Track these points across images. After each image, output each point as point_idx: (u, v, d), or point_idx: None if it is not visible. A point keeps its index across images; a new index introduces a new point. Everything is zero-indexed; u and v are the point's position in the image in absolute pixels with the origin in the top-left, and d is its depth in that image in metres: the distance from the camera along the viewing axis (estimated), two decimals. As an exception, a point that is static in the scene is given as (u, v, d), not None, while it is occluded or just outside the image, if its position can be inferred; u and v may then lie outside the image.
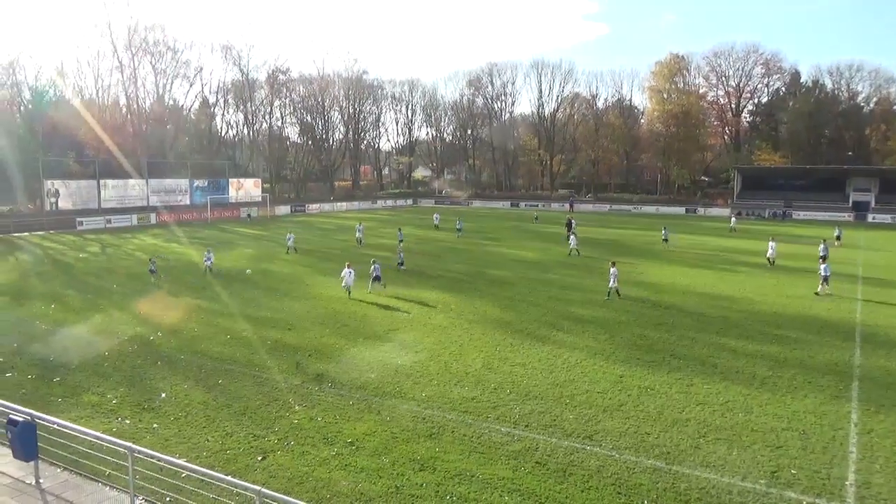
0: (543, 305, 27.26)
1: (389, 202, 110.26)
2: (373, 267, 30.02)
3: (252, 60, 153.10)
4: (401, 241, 46.51)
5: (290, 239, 44.56)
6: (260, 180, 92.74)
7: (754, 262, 39.76)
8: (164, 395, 16.45)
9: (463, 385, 17.24)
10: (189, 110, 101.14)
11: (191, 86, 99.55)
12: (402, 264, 36.54)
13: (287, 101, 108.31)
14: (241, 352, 20.22)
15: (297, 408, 15.58)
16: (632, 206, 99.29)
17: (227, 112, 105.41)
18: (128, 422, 14.78)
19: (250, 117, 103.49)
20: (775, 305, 27.53)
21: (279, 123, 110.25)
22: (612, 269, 28.76)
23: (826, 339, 22.05)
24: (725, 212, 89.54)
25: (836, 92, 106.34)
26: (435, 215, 64.05)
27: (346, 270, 28.95)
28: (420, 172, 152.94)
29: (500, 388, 17.05)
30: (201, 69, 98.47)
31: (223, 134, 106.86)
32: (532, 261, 40.14)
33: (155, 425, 14.59)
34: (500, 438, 13.98)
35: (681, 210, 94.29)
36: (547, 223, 69.17)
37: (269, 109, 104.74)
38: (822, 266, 30.57)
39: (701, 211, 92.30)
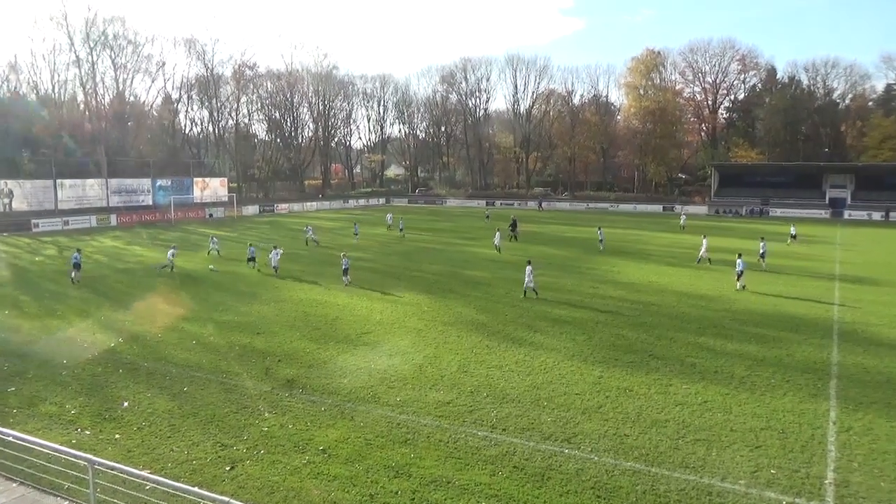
0: (520, 306, 27.39)
1: (362, 201, 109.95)
2: (343, 260, 32.37)
3: (217, 55, 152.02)
4: (356, 234, 49.15)
5: (308, 231, 48.69)
6: (226, 179, 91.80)
7: (732, 261, 40.32)
8: (126, 403, 16.18)
9: (438, 389, 17.23)
10: (151, 107, 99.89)
11: (153, 81, 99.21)
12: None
13: (254, 97, 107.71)
14: (208, 357, 19.98)
15: (266, 415, 15.44)
16: (609, 203, 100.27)
17: (192, 109, 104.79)
18: (88, 433, 14.51)
19: (216, 114, 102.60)
20: (752, 304, 28.00)
21: (246, 120, 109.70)
22: (528, 268, 29.04)
23: (804, 338, 22.47)
24: (703, 209, 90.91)
25: (812, 88, 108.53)
26: (388, 216, 64.10)
27: (274, 251, 33.48)
28: (393, 171, 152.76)
29: (476, 391, 17.08)
30: (164, 64, 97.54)
31: (187, 131, 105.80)
32: (508, 261, 40.27)
33: (117, 436, 14.34)
34: (476, 443, 14.00)
35: (658, 208, 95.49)
36: (503, 221, 69.41)
37: (235, 106, 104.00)
38: (738, 261, 31.63)
39: (678, 209, 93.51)
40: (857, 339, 22.45)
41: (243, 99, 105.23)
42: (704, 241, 39.66)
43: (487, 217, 72.02)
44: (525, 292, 28.98)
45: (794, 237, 51.73)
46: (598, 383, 17.71)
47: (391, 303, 28.06)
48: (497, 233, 46.99)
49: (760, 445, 13.84)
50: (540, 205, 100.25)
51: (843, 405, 16.13)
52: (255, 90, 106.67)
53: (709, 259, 39.24)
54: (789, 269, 37.96)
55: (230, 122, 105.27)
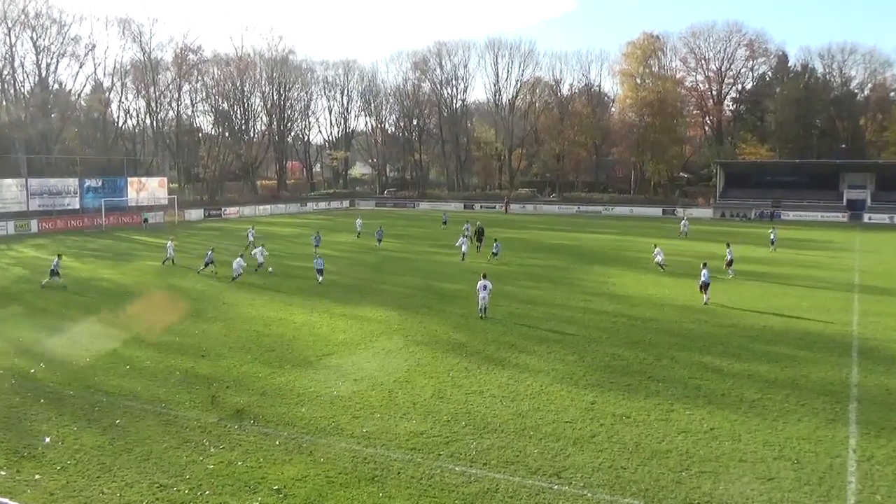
0: (503, 323, 27.45)
1: (322, 204, 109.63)
2: (316, 260, 36.36)
3: (155, 37, 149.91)
4: (316, 246, 48.16)
5: (250, 234, 51.76)
6: (166, 179, 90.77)
7: (739, 270, 40.90)
8: (48, 439, 15.90)
9: (410, 418, 17.19)
10: (79, 96, 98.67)
11: (81, 66, 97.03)
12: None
13: (198, 85, 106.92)
14: (144, 385, 19.71)
15: (212, 450, 15.27)
16: (602, 206, 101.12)
17: (126, 98, 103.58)
18: (2, 473, 14.24)
19: (154, 104, 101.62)
20: (763, 318, 28.39)
21: (189, 112, 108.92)
22: (481, 282, 28.28)
23: (820, 356, 22.82)
24: (708, 213, 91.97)
25: (827, 77, 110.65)
26: (358, 221, 63.66)
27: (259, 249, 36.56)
28: (358, 169, 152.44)
29: (453, 420, 17.06)
30: (93, 47, 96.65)
31: (121, 124, 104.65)
32: (489, 271, 40.32)
33: (37, 476, 14.08)
34: (454, 479, 13.97)
35: (657, 211, 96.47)
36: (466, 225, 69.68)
37: (176, 95, 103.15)
38: (704, 272, 31.34)
39: (680, 212, 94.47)
40: (879, 357, 22.85)
41: (186, 87, 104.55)
42: (729, 252, 39.46)
43: (444, 224, 70.13)
44: (481, 312, 28.15)
45: (773, 243, 51.35)
46: (590, 410, 17.80)
47: (356, 320, 27.94)
48: (464, 240, 47.25)
49: (773, 477, 13.99)
50: (506, 207, 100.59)
51: (864, 431, 16.38)
52: (199, 77, 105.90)
53: (661, 266, 40.02)
54: (802, 279, 38.57)
55: (171, 113, 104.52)
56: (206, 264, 38.73)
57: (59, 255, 36.72)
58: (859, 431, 16.36)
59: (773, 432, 16.28)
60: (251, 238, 50.88)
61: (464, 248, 46.11)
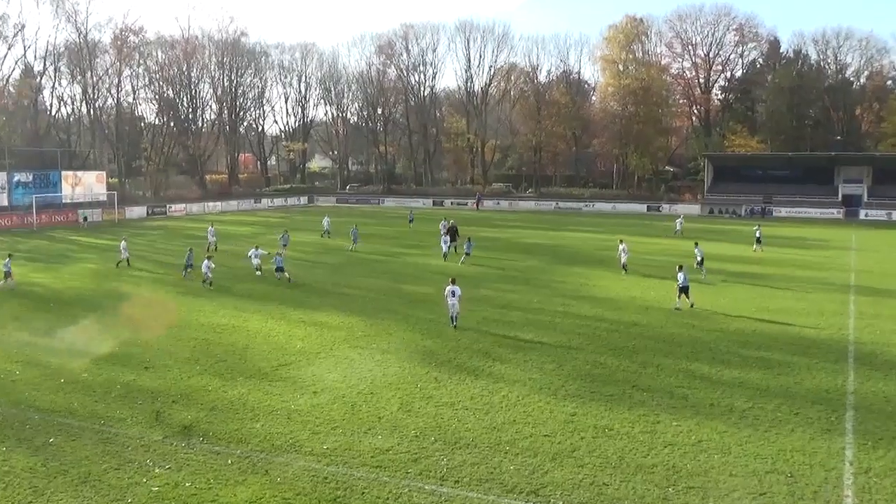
0: (475, 329, 27.49)
1: (278, 201, 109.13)
2: (276, 259, 37.69)
3: (93, 17, 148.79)
4: (284, 245, 47.50)
5: (210, 233, 50.82)
6: (105, 174, 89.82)
7: (729, 270, 41.43)
8: (-27, 461, 15.63)
9: (375, 433, 17.15)
10: (6, 81, 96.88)
11: (9, 49, 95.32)
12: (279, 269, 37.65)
13: (141, 70, 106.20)
14: (81, 400, 19.47)
15: (157, 471, 15.12)
16: (583, 202, 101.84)
17: (60, 84, 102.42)
18: (-78, 499, 13.96)
19: (91, 91, 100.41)
20: (754, 322, 28.76)
21: (130, 99, 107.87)
22: (449, 287, 27.70)
23: (815, 362, 23.16)
24: (695, 209, 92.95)
25: (821, 64, 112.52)
26: (325, 219, 63.16)
27: (205, 263, 35.51)
28: (317, 163, 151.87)
29: (422, 435, 17.06)
30: (23, 27, 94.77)
31: (54, 113, 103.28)
32: (460, 273, 40.44)
33: (-39, 502, 13.83)
34: (423, 499, 13.96)
35: (641, 207, 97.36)
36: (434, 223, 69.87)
37: (116, 81, 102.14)
38: (680, 275, 31.19)
39: (665, 208, 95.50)
40: (877, 362, 23.26)
41: (127, 72, 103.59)
42: (698, 251, 39.86)
43: (411, 221, 70.24)
44: (453, 321, 27.64)
45: (759, 241, 51.61)
46: (570, 422, 17.90)
47: (316, 327, 27.83)
48: (447, 238, 47.32)
49: (765, 492, 14.18)
50: (477, 204, 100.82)
51: (862, 441, 16.66)
52: (141, 61, 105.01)
53: (624, 267, 40.34)
54: (795, 279, 39.14)
55: (109, 101, 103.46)
56: (186, 267, 37.93)
57: (10, 255, 36.60)
58: (856, 442, 16.63)
59: (764, 444, 16.50)
60: (211, 239, 50.32)
61: (445, 247, 46.27)
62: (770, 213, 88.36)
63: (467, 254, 44.63)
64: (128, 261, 42.71)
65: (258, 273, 38.24)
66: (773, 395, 19.82)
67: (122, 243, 43.45)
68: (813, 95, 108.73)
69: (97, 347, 24.77)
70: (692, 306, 30.97)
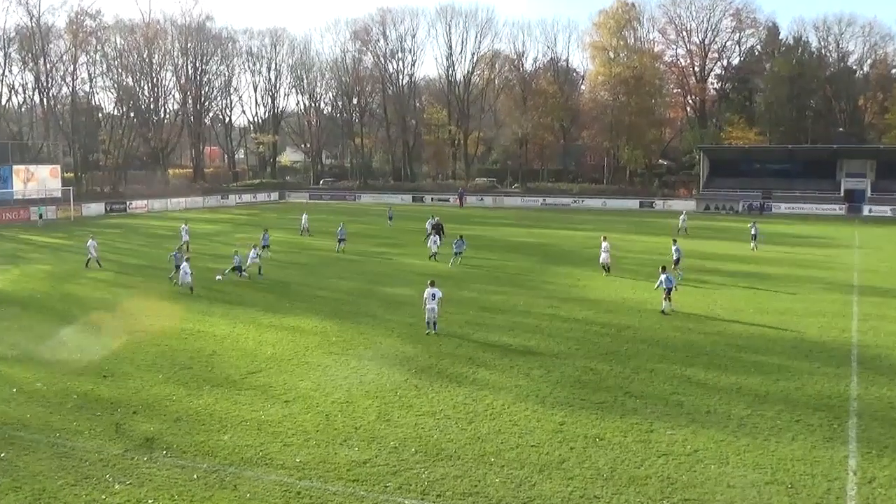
0: (458, 334, 27.50)
1: (247, 196, 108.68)
2: (235, 258, 38.61)
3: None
4: (265, 246, 45.65)
5: (183, 230, 50.75)
6: (59, 168, 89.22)
7: (726, 270, 41.70)
8: (-83, 477, 15.47)
9: (351, 445, 17.13)
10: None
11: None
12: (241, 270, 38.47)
13: (98, 56, 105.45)
14: (34, 411, 19.30)
15: (117, 486, 15.03)
16: (571, 198, 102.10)
17: (10, 71, 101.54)
18: None
19: (44, 79, 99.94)
20: (753, 325, 28.98)
21: (87, 88, 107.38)
22: (429, 290, 27.38)
23: (816, 366, 23.35)
24: (691, 205, 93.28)
25: (823, 52, 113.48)
26: (303, 216, 62.82)
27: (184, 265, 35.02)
28: (289, 156, 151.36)
29: (402, 446, 17.05)
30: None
31: (4, 102, 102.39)
32: (442, 273, 40.48)
33: None
34: (402, 515, 13.95)
35: (633, 204, 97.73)
36: (417, 222, 69.90)
37: (71, 68, 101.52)
38: (662, 276, 31.19)
39: (659, 204, 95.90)
40: (881, 366, 23.49)
41: (83, 59, 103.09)
42: (676, 249, 39.76)
43: (390, 219, 69.92)
44: (429, 327, 27.27)
45: (754, 237, 51.80)
46: (559, 431, 17.94)
47: (288, 331, 27.75)
48: (438, 238, 47.12)
49: (764, 505, 14.31)
50: (461, 199, 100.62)
51: (865, 450, 16.80)
52: (99, 47, 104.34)
53: (605, 267, 40.23)
54: (796, 279, 39.43)
55: (64, 90, 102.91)
56: (176, 268, 36.75)
57: None
58: (859, 451, 16.77)
59: (764, 453, 16.61)
60: (185, 237, 50.18)
61: (434, 247, 45.87)
62: (769, 210, 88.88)
63: (457, 253, 44.17)
64: (98, 261, 42.45)
65: (243, 275, 38.64)
66: (772, 402, 19.96)
67: (90, 241, 43.03)
68: (814, 85, 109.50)
69: (52, 354, 24.59)
70: (670, 310, 30.81)
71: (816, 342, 26.38)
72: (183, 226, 51.72)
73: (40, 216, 74.65)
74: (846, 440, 17.41)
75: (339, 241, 50.88)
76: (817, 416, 18.94)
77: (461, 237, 45.95)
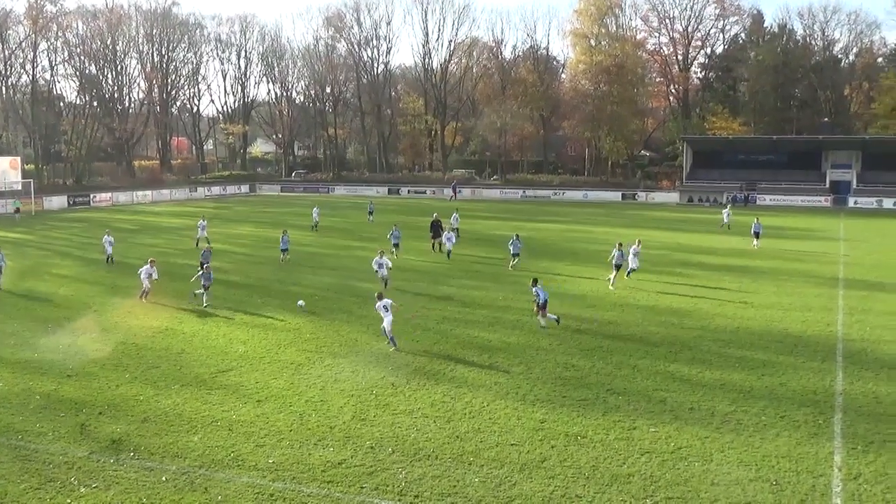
0: (436, 330, 27.55)
1: (216, 189, 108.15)
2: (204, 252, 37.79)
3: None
4: (284, 249, 43.18)
5: (201, 225, 50.19)
6: (19, 159, 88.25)
7: (710, 264, 41.99)
8: None
9: (326, 445, 17.13)
10: None
11: None
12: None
13: (59, 43, 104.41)
14: (-5, 413, 19.15)
15: (82, 490, 14.95)
16: (552, 190, 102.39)
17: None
18: None
19: (2, 67, 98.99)
20: (737, 319, 29.21)
21: (47, 76, 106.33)
22: (379, 303, 25.35)
23: (801, 361, 23.61)
24: (673, 197, 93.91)
25: (808, 40, 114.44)
26: (314, 210, 61.52)
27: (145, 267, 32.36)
28: (260, 147, 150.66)
29: (378, 446, 17.07)
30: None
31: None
32: (419, 269, 40.48)
33: None
34: (379, 516, 13.98)
35: (616, 195, 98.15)
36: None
37: (31, 56, 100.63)
38: (615, 252, 34.75)
39: (642, 196, 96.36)
40: (866, 360, 23.76)
41: (43, 46, 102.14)
42: (637, 243, 39.67)
43: (371, 214, 67.86)
44: (391, 344, 25.10)
45: (756, 235, 50.33)
46: (540, 429, 18.03)
47: (260, 328, 27.68)
48: (451, 234, 45.81)
49: (750, 502, 14.43)
50: (454, 192, 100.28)
51: (851, 446, 17.03)
52: (60, 34, 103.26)
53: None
54: (780, 273, 39.77)
55: (24, 78, 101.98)
56: (203, 265, 34.79)
57: None
58: (845, 446, 16.99)
59: (748, 450, 16.78)
60: (202, 233, 49.49)
61: (449, 244, 44.34)
62: (753, 201, 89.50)
63: (515, 255, 41.30)
64: (110, 258, 42.46)
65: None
66: (756, 398, 20.15)
67: (106, 237, 43.01)
68: (799, 74, 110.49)
69: (13, 354, 24.40)
70: (611, 285, 34.06)
71: (801, 336, 26.64)
72: (201, 221, 51.22)
73: (17, 210, 73.78)
74: (831, 436, 17.61)
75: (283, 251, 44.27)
76: (802, 411, 19.15)
77: (517, 236, 42.42)
